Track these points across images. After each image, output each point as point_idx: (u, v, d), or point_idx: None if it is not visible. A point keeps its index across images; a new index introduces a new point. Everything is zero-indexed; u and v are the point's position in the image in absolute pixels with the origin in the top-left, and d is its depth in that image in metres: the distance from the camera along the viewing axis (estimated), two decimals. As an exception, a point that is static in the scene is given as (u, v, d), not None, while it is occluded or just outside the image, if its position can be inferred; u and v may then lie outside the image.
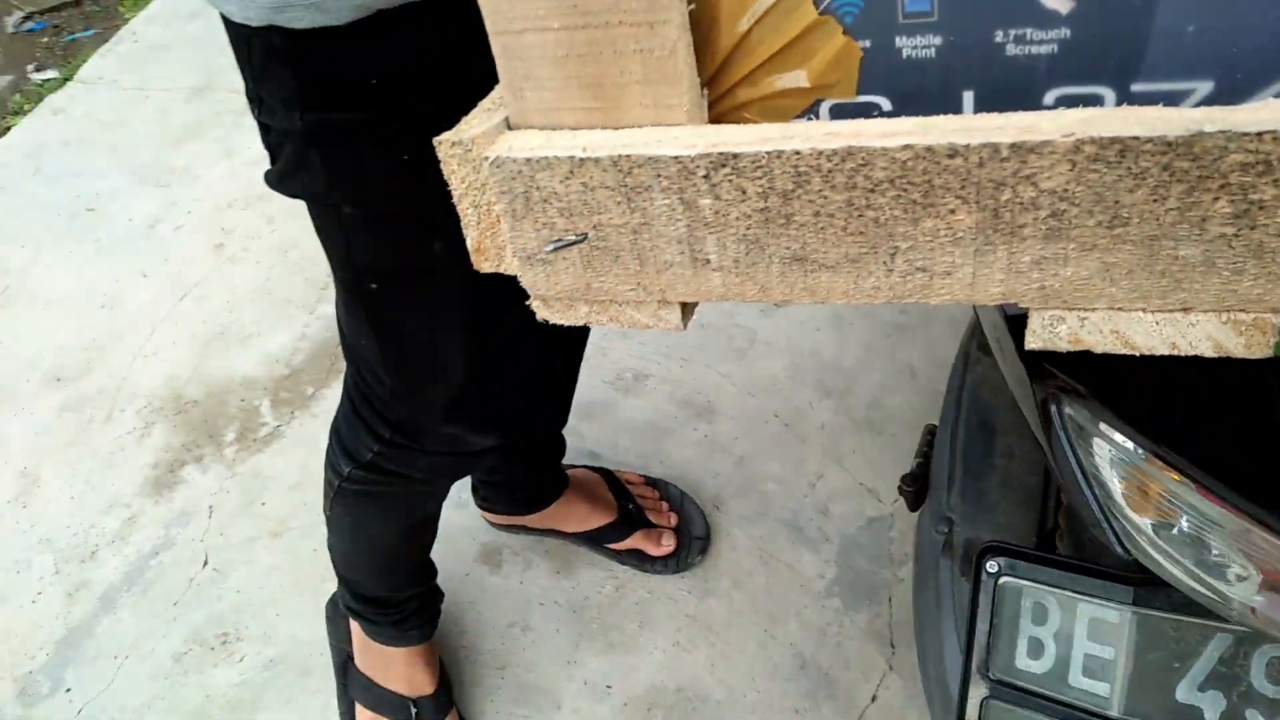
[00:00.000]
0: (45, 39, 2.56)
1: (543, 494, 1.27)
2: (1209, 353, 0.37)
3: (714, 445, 1.41)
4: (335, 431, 0.91)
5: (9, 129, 2.14)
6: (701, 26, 0.39)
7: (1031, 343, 0.39)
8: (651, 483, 1.35)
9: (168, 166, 1.98)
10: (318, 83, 0.59)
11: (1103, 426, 0.50)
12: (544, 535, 1.32)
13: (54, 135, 2.09)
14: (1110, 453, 0.51)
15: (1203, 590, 0.48)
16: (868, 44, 0.38)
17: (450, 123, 0.43)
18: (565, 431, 1.23)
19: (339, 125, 0.60)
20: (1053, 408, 0.54)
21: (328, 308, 1.68)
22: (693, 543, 1.29)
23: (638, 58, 0.38)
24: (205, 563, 1.35)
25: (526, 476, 1.25)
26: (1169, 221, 0.34)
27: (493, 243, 0.44)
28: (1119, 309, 0.36)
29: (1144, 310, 0.36)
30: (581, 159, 0.39)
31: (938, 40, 0.37)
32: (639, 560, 1.28)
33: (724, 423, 1.44)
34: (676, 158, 0.38)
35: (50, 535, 1.40)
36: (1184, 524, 0.47)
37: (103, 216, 1.90)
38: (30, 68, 2.44)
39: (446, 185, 0.43)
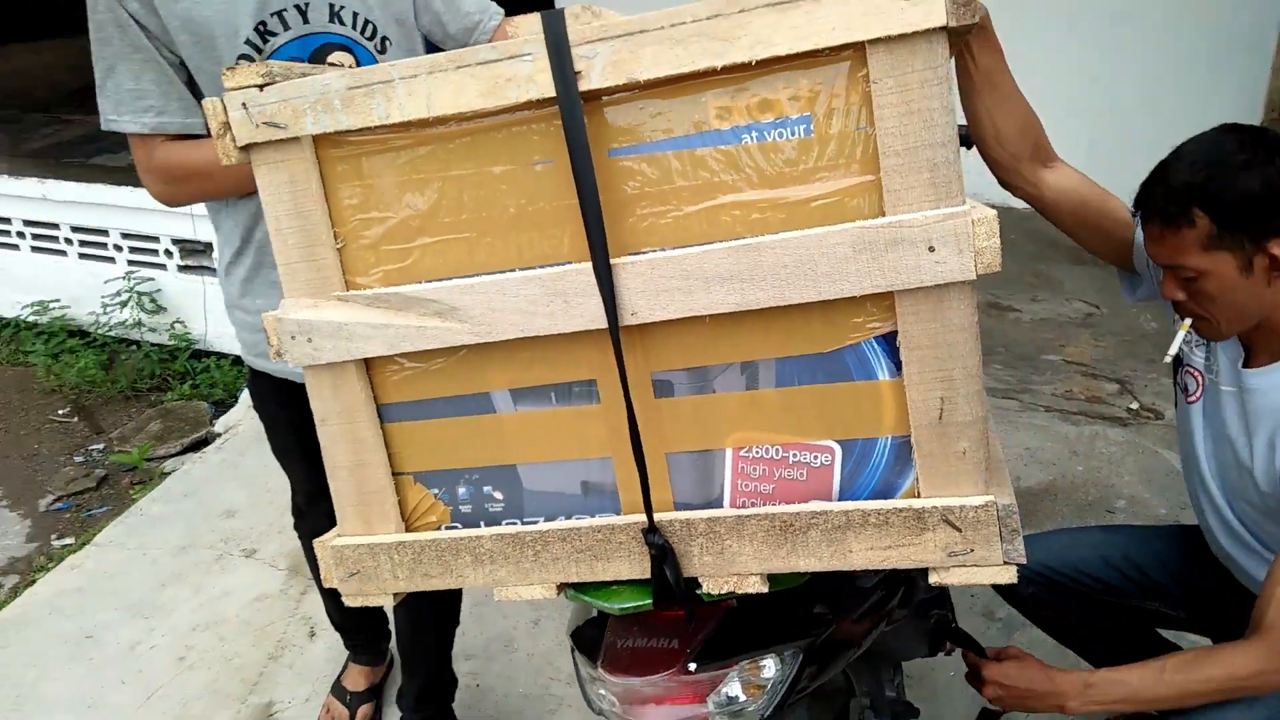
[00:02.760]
0: (68, 515, 3.40)
1: None
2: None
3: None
4: None
5: (34, 581, 2.89)
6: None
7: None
8: None
9: (153, 604, 2.72)
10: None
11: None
12: None
13: (69, 584, 2.83)
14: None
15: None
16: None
17: None
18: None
19: None
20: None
21: (256, 698, 2.34)
22: None
23: (372, 513, 1.21)
24: None
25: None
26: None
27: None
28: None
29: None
30: (358, 545, 1.20)
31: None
32: None
33: None
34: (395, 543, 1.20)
35: None
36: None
37: (98, 642, 2.58)
38: (53, 536, 3.25)
39: None
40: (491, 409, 1.18)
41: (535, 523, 1.20)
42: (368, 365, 1.19)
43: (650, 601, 1.15)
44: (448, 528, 1.23)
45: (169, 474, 3.38)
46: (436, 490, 1.23)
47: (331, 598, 2.10)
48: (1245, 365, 1.41)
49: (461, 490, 1.22)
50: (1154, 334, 3.48)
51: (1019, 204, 1.46)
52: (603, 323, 1.07)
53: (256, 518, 3.04)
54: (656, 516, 1.13)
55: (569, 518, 1.19)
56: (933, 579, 1.08)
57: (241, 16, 1.46)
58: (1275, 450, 1.36)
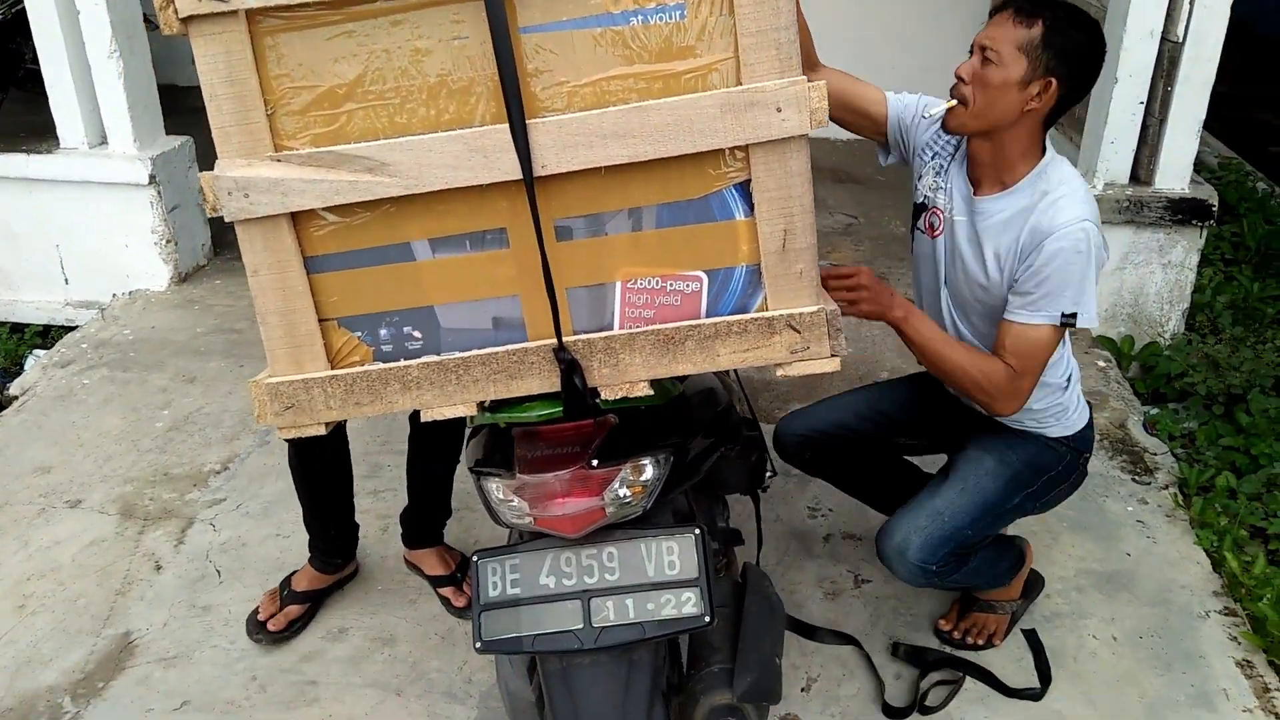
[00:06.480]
0: None
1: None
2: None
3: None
4: None
5: None
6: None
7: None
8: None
9: (-27, 557, 2.61)
10: None
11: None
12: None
13: None
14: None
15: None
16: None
17: None
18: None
19: None
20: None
21: (111, 630, 2.34)
22: None
23: (303, 354, 1.37)
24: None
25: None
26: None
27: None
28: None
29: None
30: (293, 381, 1.36)
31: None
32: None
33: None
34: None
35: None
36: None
37: (-83, 599, 2.46)
38: None
39: None
40: (411, 257, 1.37)
41: (453, 355, 1.40)
42: (294, 220, 1.35)
43: (560, 410, 1.38)
44: (370, 366, 1.41)
45: (-38, 439, 3.20)
46: (359, 333, 1.40)
47: (305, 491, 2.22)
48: (975, 195, 1.83)
49: (383, 331, 1.40)
50: (902, 236, 4.13)
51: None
52: (517, 174, 1.29)
53: (74, 471, 2.95)
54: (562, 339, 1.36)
55: (482, 349, 1.40)
56: (779, 373, 1.39)
57: None
58: (998, 258, 1.79)
